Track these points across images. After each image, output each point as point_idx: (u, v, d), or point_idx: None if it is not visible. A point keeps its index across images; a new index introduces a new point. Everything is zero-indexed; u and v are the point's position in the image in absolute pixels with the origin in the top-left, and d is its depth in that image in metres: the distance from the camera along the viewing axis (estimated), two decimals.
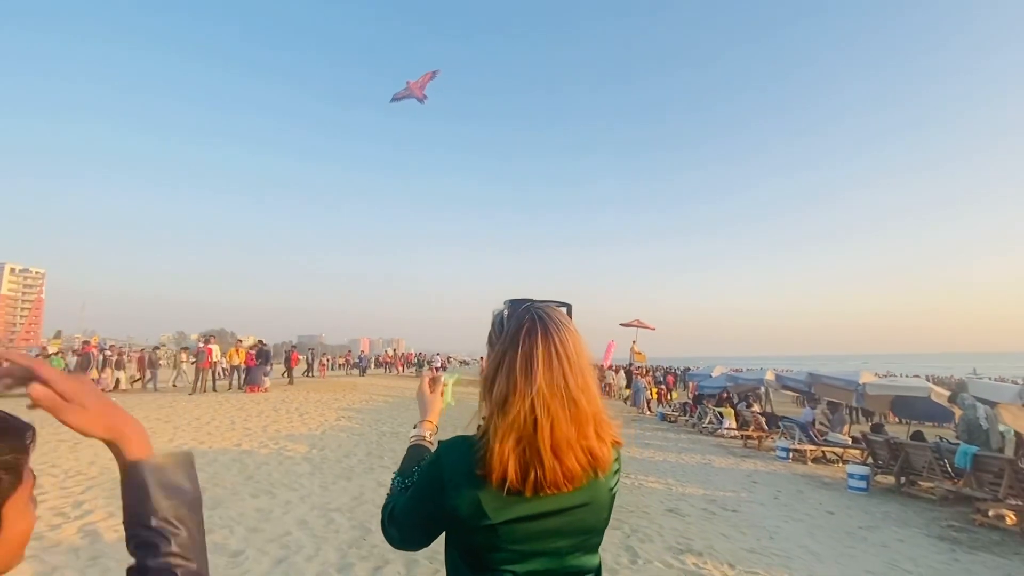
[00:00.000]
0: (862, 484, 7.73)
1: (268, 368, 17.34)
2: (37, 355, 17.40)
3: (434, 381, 1.34)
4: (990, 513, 6.24)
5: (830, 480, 8.60)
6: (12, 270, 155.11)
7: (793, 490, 7.72)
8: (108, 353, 17.48)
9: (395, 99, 19.70)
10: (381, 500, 5.39)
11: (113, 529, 4.35)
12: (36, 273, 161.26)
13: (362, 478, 6.38)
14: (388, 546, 4.23)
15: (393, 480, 1.13)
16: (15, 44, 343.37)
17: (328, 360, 31.81)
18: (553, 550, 0.95)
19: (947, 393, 9.19)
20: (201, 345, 16.63)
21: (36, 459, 4.58)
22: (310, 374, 25.69)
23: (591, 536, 1.00)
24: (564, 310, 1.03)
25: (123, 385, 16.91)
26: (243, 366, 17.14)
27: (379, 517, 4.60)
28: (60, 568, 3.61)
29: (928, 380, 14.42)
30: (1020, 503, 5.92)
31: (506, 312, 1.00)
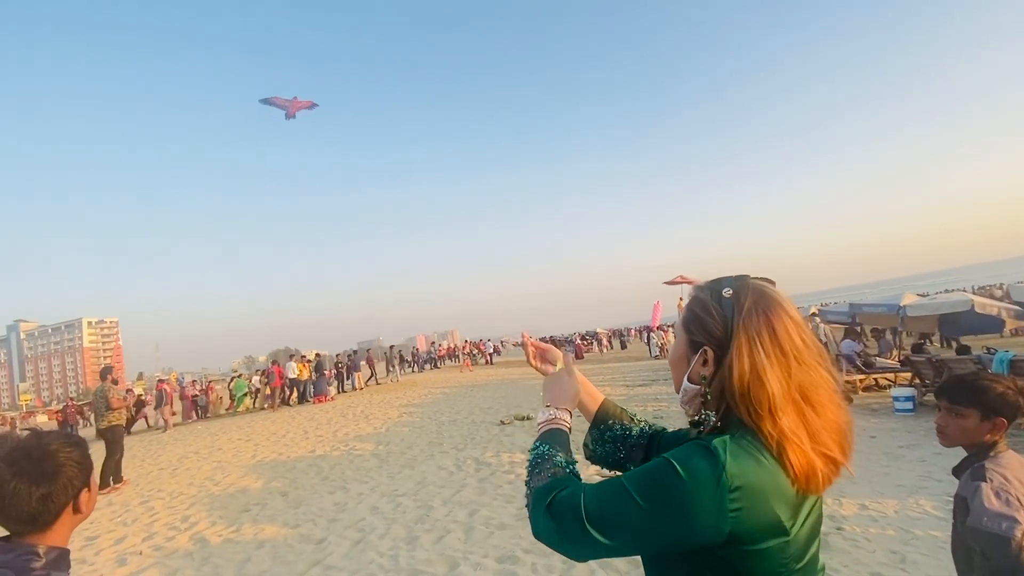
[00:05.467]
0: (908, 406, 7.81)
1: (332, 379, 18.55)
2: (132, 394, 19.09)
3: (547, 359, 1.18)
4: None
5: (879, 407, 8.68)
6: (90, 323, 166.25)
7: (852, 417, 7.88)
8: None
9: (267, 102, 19.46)
10: (442, 482, 6.01)
11: (218, 535, 5.07)
12: (111, 322, 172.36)
13: (424, 465, 6.99)
14: (450, 517, 4.87)
15: (551, 458, 0.92)
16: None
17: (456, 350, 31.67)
18: (814, 555, 0.84)
19: (991, 303, 9.06)
20: (270, 366, 18.00)
21: (146, 486, 5.57)
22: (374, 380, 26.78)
23: (820, 532, 0.89)
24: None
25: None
26: (311, 379, 18.30)
27: (441, 495, 5.08)
28: (180, 569, 4.34)
29: (972, 292, 13.98)
30: None
31: (727, 291, 0.87)
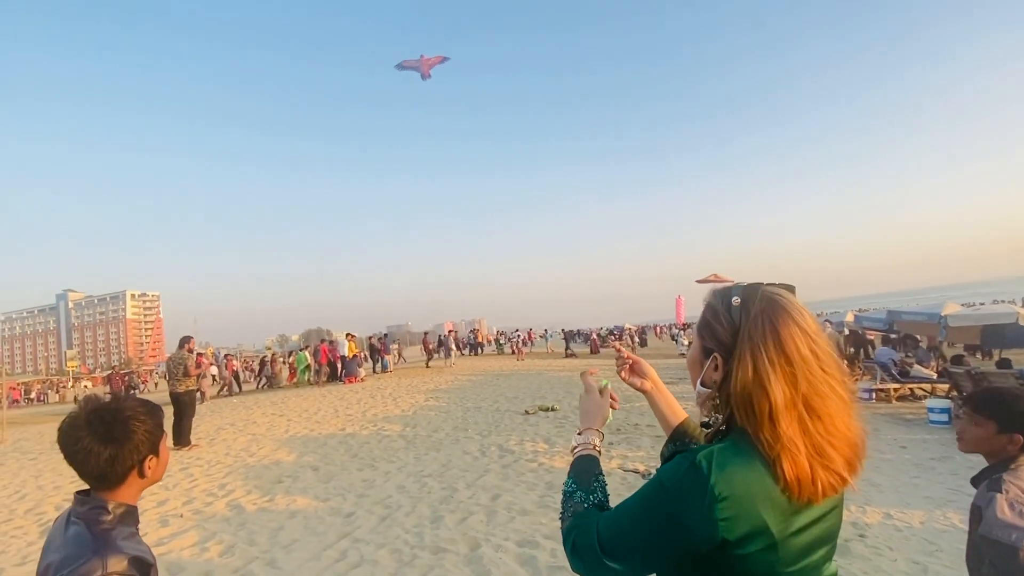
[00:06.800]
0: (943, 418, 7.63)
1: (362, 360, 19.10)
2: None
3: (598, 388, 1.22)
4: None
5: (913, 417, 8.50)
6: (133, 296, 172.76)
7: (868, 429, 7.73)
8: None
9: (401, 67, 20.89)
10: (466, 466, 6.17)
11: (252, 503, 5.32)
12: (153, 296, 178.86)
13: (450, 448, 7.16)
14: (473, 500, 5.02)
15: (572, 496, 1.01)
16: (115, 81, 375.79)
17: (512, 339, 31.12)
18: (815, 562, 0.85)
19: None
20: (319, 344, 19.12)
21: (184, 454, 5.88)
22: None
23: (835, 541, 0.90)
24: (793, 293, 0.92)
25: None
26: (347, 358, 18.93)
27: (465, 478, 5.28)
28: (218, 533, 4.58)
29: (1021, 305, 13.45)
30: None
31: (736, 300, 0.89)
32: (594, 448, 1.10)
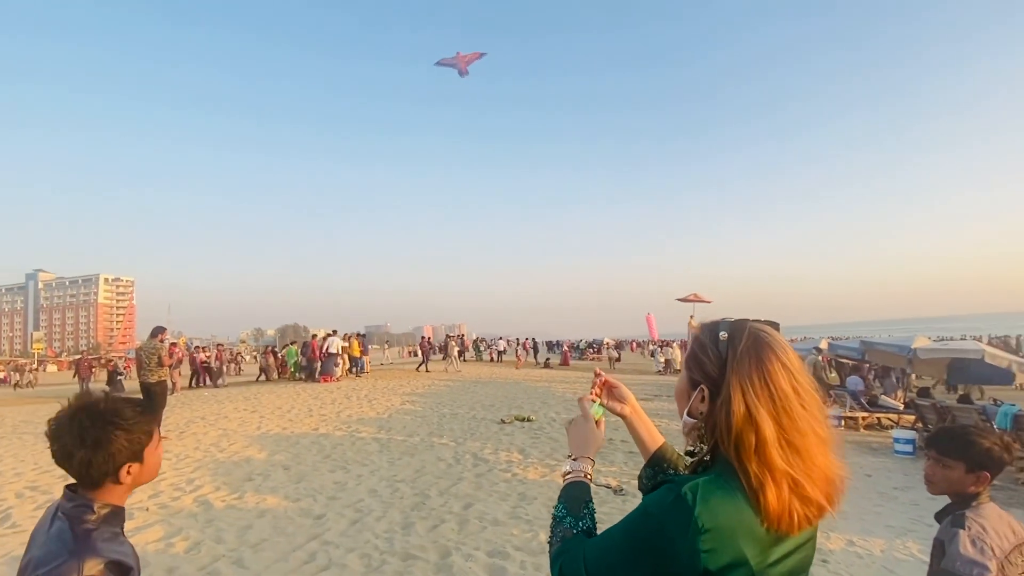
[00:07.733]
0: (908, 448, 7.83)
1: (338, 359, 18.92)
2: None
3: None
4: None
5: (878, 446, 8.70)
6: (106, 280, 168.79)
7: (848, 467, 7.91)
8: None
9: (439, 64, 21.31)
10: (440, 473, 6.16)
11: (220, 499, 5.25)
12: (127, 281, 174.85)
13: (423, 454, 7.14)
14: (445, 507, 5.02)
15: (562, 521, 1.03)
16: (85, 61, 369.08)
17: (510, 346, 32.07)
18: None
19: (1002, 355, 9.02)
20: (311, 340, 19.15)
21: None
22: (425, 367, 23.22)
23: (809, 571, 0.94)
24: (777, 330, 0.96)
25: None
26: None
27: (438, 485, 5.25)
28: (184, 528, 4.51)
29: (988, 341, 13.88)
30: None
31: (723, 335, 0.93)
32: (585, 476, 1.12)
